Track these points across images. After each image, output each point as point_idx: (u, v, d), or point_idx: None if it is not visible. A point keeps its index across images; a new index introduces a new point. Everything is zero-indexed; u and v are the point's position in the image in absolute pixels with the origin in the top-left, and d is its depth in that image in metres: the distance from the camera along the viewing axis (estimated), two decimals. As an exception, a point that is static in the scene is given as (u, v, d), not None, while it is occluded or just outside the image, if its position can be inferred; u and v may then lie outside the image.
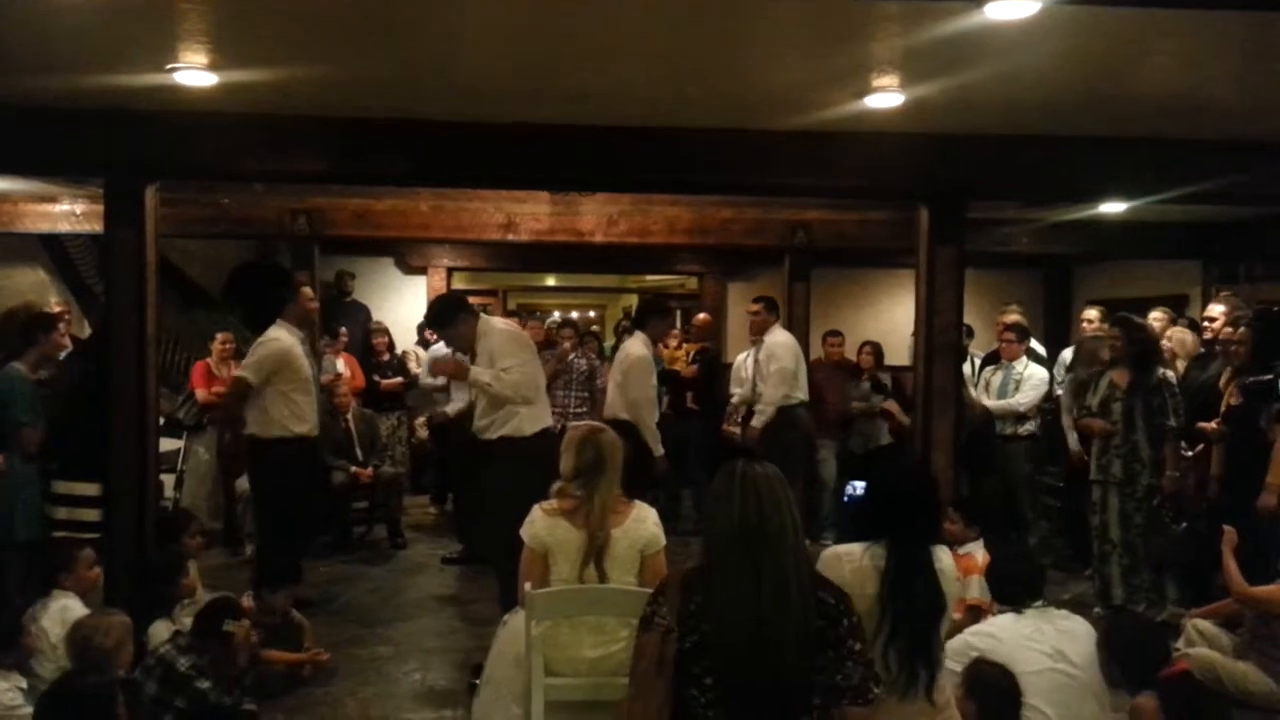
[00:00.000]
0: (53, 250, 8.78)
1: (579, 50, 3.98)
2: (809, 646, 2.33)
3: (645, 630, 2.43)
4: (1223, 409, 5.61)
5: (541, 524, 3.50)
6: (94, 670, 3.55)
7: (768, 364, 7.09)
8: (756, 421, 7.04)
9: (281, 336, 5.90)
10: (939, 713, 2.90)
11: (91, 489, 5.27)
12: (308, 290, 6.45)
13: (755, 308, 7.41)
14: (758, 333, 7.34)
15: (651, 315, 6.53)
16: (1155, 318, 6.70)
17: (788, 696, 2.32)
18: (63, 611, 4.16)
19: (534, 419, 5.05)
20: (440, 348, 7.94)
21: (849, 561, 2.89)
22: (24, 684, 3.69)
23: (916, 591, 2.84)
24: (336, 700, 4.67)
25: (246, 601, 4.88)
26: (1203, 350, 6.36)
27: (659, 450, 6.15)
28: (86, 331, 8.13)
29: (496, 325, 5.21)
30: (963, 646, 3.54)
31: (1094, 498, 5.92)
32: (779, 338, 7.23)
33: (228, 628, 4.43)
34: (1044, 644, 3.48)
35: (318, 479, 6.47)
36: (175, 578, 4.80)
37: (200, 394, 7.32)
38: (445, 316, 5.28)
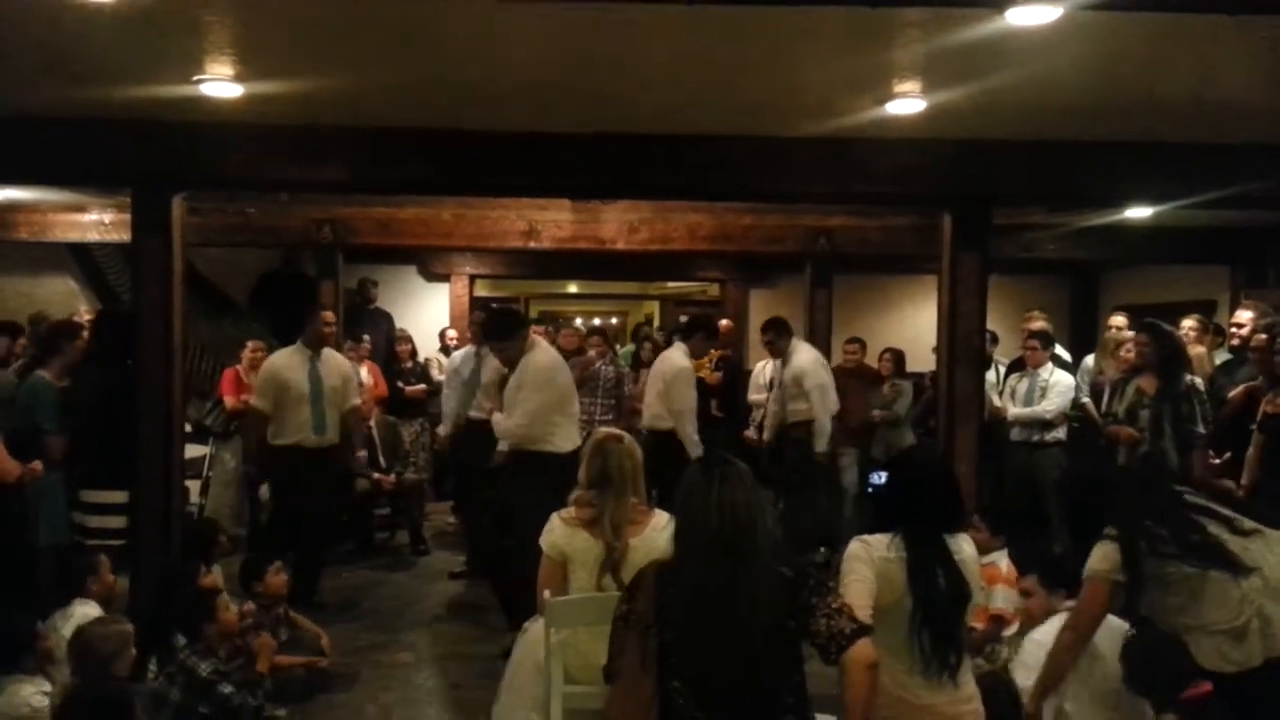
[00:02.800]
0: (81, 259, 8.88)
1: (600, 60, 4.00)
2: (778, 636, 2.40)
3: (625, 627, 2.48)
4: (1259, 417, 5.50)
5: (560, 533, 3.50)
6: (92, 676, 3.54)
7: (799, 384, 6.94)
8: (820, 445, 6.93)
9: (275, 358, 6.32)
10: (965, 701, 2.93)
11: (118, 496, 5.32)
12: (328, 315, 6.69)
13: (766, 337, 7.27)
14: (776, 357, 7.25)
15: (699, 330, 6.95)
16: (1189, 327, 6.58)
17: (759, 685, 2.38)
18: (85, 619, 4.18)
19: (567, 438, 5.24)
20: (460, 354, 7.97)
21: (877, 550, 2.91)
22: (48, 687, 3.72)
23: (939, 579, 2.88)
24: (358, 706, 4.69)
25: (249, 605, 4.89)
26: (1230, 356, 6.26)
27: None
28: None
29: (536, 358, 5.34)
30: (1033, 651, 3.49)
31: (1121, 506, 5.82)
32: (803, 357, 7.07)
33: (255, 637, 4.46)
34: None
35: (324, 484, 6.39)
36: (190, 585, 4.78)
37: (229, 401, 7.36)
38: (506, 332, 5.46)
